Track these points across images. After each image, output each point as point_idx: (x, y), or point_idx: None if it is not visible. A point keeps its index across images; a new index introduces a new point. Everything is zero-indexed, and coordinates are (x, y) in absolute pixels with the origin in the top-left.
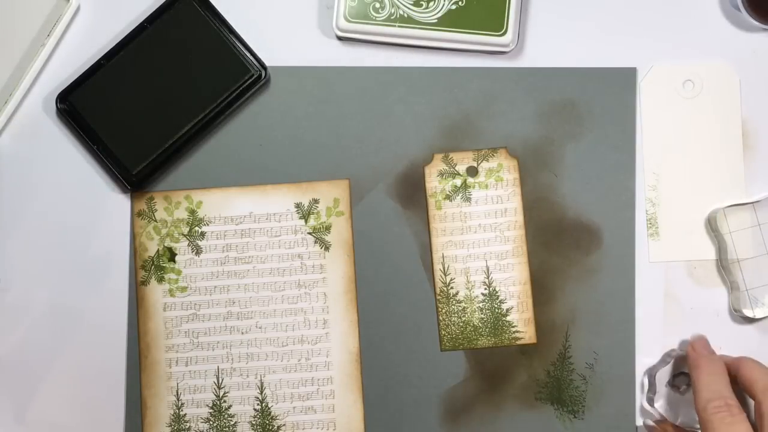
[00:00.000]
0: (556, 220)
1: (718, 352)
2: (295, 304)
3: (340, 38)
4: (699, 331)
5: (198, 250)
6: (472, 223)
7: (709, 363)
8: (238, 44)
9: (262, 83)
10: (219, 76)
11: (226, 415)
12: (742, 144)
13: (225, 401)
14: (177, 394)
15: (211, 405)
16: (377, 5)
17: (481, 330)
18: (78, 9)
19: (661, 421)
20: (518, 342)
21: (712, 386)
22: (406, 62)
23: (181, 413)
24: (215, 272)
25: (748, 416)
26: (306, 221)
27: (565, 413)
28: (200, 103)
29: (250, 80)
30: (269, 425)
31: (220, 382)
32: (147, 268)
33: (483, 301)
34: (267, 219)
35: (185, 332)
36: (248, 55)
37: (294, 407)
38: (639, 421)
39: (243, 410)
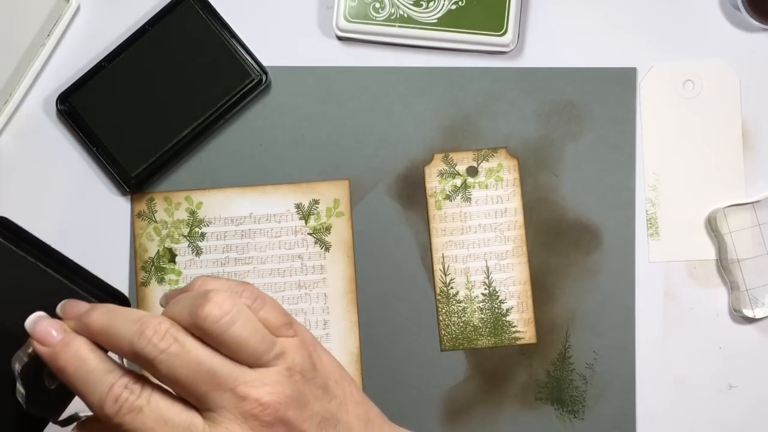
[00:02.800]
0: (556, 220)
1: (718, 352)
2: (296, 304)
3: (340, 38)
4: (699, 331)
5: (198, 251)
6: (472, 223)
7: (72, 359)
8: (240, 48)
9: (263, 88)
10: (220, 79)
11: None
12: (742, 144)
13: None
14: None
15: None
16: (377, 5)
17: (481, 330)
18: (78, 9)
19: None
20: (518, 342)
21: (95, 381)
22: (406, 62)
23: None
24: (216, 273)
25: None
26: (306, 222)
27: (565, 413)
28: (200, 107)
29: (251, 85)
30: None
31: None
32: (147, 269)
33: (483, 301)
34: (267, 220)
35: None
36: (249, 59)
37: None
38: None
39: None
